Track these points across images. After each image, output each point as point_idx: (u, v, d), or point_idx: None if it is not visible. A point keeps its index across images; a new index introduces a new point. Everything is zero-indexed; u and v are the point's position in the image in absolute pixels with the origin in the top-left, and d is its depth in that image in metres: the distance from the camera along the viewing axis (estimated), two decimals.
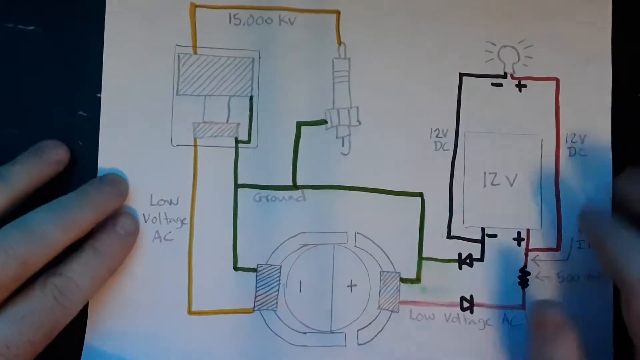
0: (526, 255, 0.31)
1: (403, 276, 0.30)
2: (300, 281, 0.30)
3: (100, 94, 0.30)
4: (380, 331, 0.30)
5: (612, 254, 0.27)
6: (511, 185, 0.31)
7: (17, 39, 0.30)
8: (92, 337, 0.29)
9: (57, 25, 0.30)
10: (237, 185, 0.30)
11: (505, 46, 0.32)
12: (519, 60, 0.32)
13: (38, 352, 0.25)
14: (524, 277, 0.31)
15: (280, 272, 0.30)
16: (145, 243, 0.29)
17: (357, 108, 0.31)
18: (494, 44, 0.32)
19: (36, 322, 0.24)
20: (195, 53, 0.30)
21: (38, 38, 0.30)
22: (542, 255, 0.31)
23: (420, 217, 0.31)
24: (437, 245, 0.31)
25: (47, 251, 0.25)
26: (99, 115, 0.30)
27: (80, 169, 0.30)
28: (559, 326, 0.27)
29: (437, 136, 0.31)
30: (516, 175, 0.31)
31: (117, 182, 0.29)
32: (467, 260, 0.31)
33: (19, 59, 0.30)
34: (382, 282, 0.30)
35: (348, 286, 0.30)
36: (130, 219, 0.29)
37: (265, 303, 0.30)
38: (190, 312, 0.29)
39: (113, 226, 0.28)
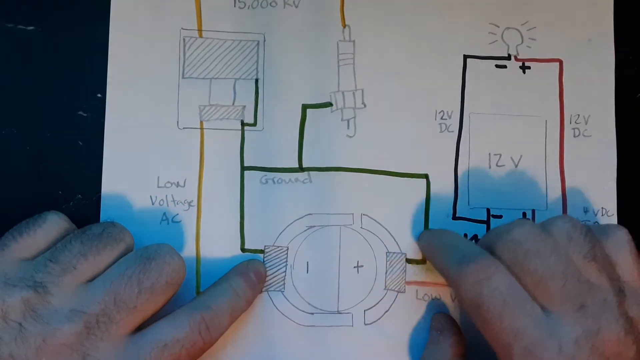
0: None
1: (409, 257, 0.31)
2: (307, 262, 0.30)
3: (101, 94, 0.30)
4: (386, 311, 0.30)
5: (437, 251, 0.28)
6: (516, 166, 0.31)
7: (17, 39, 0.30)
8: None
9: (57, 25, 0.30)
10: (243, 168, 0.30)
11: (508, 28, 0.32)
12: (522, 42, 0.32)
13: None
14: None
15: (287, 253, 0.30)
16: (153, 225, 0.29)
17: (362, 90, 0.31)
18: (498, 26, 0.32)
19: (176, 352, 0.24)
20: (201, 36, 0.31)
21: (38, 38, 0.30)
22: None
23: (426, 198, 0.31)
24: (442, 226, 0.31)
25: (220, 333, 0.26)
26: (99, 115, 0.30)
27: (81, 169, 0.30)
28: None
29: (442, 118, 0.31)
30: (521, 156, 0.31)
31: (260, 272, 0.29)
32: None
33: (19, 59, 0.30)
34: (388, 263, 0.30)
35: (354, 267, 0.30)
36: (262, 267, 0.29)
37: (273, 284, 0.30)
38: (198, 294, 0.29)
39: (248, 273, 0.28)
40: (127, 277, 0.24)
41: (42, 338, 0.23)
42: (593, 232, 0.26)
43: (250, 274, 0.28)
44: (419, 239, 0.30)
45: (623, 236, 0.27)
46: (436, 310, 0.30)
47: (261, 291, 0.29)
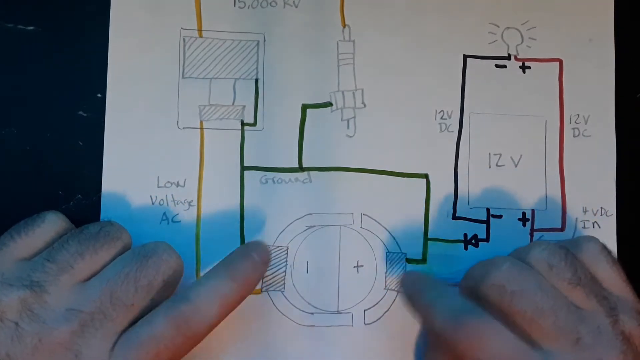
0: (531, 235, 0.31)
1: (409, 257, 0.31)
2: (307, 262, 0.30)
3: (101, 94, 0.30)
4: (386, 311, 0.30)
5: (423, 302, 0.27)
6: (516, 166, 0.31)
7: (17, 39, 0.30)
8: None
9: (57, 25, 0.30)
10: (243, 168, 0.30)
11: (508, 28, 0.32)
12: (522, 41, 0.32)
13: None
14: None
15: (287, 253, 0.30)
16: (153, 225, 0.30)
17: (362, 90, 0.31)
18: (498, 26, 0.32)
19: (153, 350, 0.23)
20: (201, 36, 0.31)
21: (38, 38, 0.30)
22: (546, 235, 0.31)
23: (426, 198, 0.31)
24: (442, 226, 0.31)
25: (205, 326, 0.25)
26: (100, 115, 0.30)
27: (81, 169, 0.30)
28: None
29: (441, 118, 0.31)
30: (521, 156, 0.31)
31: (264, 252, 0.27)
32: (473, 241, 0.31)
33: (19, 59, 0.30)
34: (388, 262, 0.30)
35: (354, 267, 0.30)
36: (265, 247, 0.28)
37: (273, 284, 0.30)
38: None
39: (249, 252, 0.27)
40: (123, 275, 0.24)
41: (38, 337, 0.23)
42: (570, 251, 0.26)
43: (253, 254, 0.27)
44: (400, 286, 0.30)
45: (595, 247, 0.27)
46: None
47: (265, 273, 0.29)
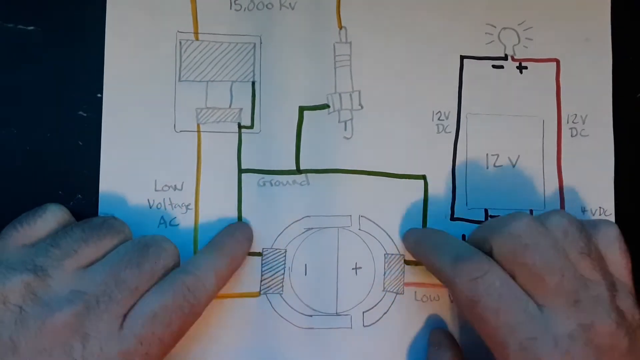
0: None
1: (407, 258, 0.31)
2: (306, 264, 0.30)
3: (101, 94, 0.30)
4: (385, 313, 0.30)
5: (428, 251, 0.28)
6: (513, 166, 0.31)
7: (17, 39, 0.30)
8: None
9: (57, 25, 0.30)
10: (240, 170, 0.30)
11: (505, 28, 0.32)
12: (519, 42, 0.32)
13: (167, 351, 0.25)
14: None
15: (285, 256, 0.30)
16: (151, 229, 0.29)
17: (359, 92, 0.31)
18: (494, 26, 0.32)
19: (166, 320, 0.24)
20: (197, 39, 0.30)
21: (38, 38, 0.30)
22: None
23: (424, 199, 0.31)
24: (441, 227, 0.31)
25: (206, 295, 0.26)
26: (99, 115, 0.30)
27: (81, 169, 0.30)
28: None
29: (439, 119, 0.31)
30: (518, 156, 0.31)
31: (247, 231, 0.30)
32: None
33: (19, 59, 0.30)
34: (386, 264, 0.30)
35: (353, 269, 0.30)
36: (248, 226, 0.30)
37: (271, 287, 0.30)
38: None
39: (234, 231, 0.29)
40: (126, 260, 0.25)
41: (42, 320, 0.23)
42: (586, 228, 0.26)
43: (237, 233, 0.29)
44: (404, 237, 0.30)
45: (613, 232, 0.27)
46: (434, 311, 0.30)
47: (249, 251, 0.30)
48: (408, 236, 0.30)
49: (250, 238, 0.29)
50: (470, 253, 0.26)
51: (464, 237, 0.31)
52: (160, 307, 0.24)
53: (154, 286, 0.25)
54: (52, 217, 0.26)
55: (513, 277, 0.25)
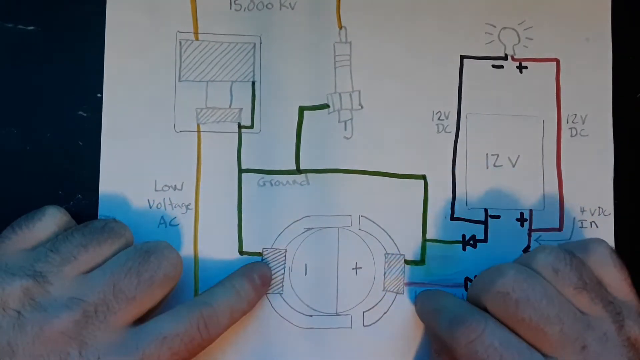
0: (529, 235, 0.31)
1: (407, 258, 0.31)
2: (306, 264, 0.30)
3: (101, 94, 0.30)
4: (385, 313, 0.30)
5: (430, 315, 0.28)
6: (513, 166, 0.31)
7: (17, 39, 0.30)
8: None
9: (57, 25, 0.30)
10: (240, 170, 0.30)
11: (505, 28, 0.32)
12: (519, 41, 0.32)
13: None
14: None
15: (285, 255, 0.30)
16: (151, 229, 0.29)
17: (359, 92, 0.31)
18: (494, 26, 0.32)
19: (175, 347, 0.24)
20: (197, 39, 0.30)
21: (38, 38, 0.30)
22: (544, 235, 0.31)
23: (424, 199, 0.31)
24: (440, 227, 0.31)
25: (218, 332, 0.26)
26: (99, 115, 0.30)
27: (81, 169, 0.30)
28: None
29: (439, 119, 0.31)
30: (518, 156, 0.31)
31: (266, 276, 0.29)
32: (471, 242, 0.31)
33: (19, 59, 0.30)
34: (386, 264, 0.30)
35: (353, 269, 0.30)
36: (268, 271, 0.29)
37: (271, 287, 0.30)
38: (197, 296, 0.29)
39: (252, 274, 0.28)
40: (126, 268, 0.25)
41: (39, 326, 0.23)
42: (576, 255, 0.26)
43: (255, 276, 0.28)
44: (415, 302, 0.30)
45: (604, 250, 0.27)
46: None
47: (265, 294, 0.29)
48: (417, 301, 0.30)
49: (268, 283, 0.29)
50: (464, 314, 0.25)
51: (464, 237, 0.31)
52: (172, 332, 0.24)
53: (171, 309, 0.25)
54: (52, 220, 0.26)
55: (515, 332, 0.24)
